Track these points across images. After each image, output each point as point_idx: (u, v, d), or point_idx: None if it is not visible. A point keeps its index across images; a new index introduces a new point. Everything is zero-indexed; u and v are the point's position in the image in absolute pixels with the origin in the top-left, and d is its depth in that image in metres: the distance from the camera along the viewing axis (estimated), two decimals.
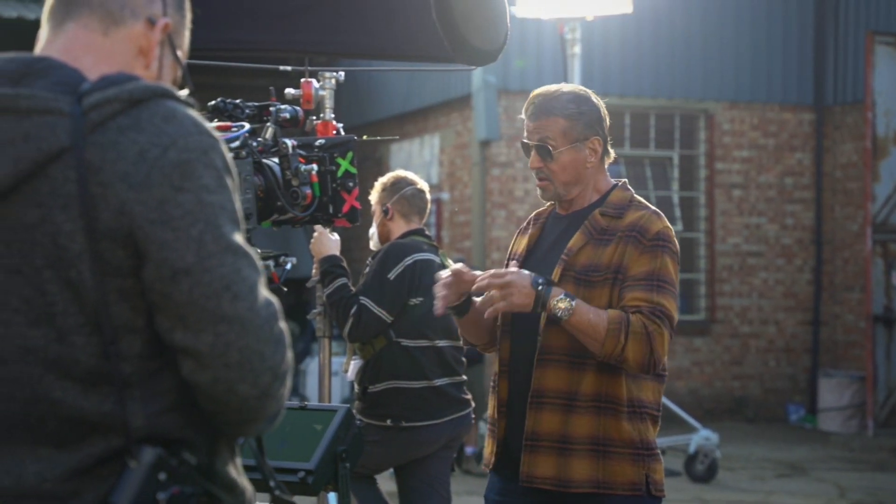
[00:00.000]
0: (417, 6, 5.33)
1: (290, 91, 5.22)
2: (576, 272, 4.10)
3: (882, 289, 15.60)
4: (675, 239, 4.17)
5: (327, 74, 5.49)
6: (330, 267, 6.13)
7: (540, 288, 3.99)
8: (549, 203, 4.38)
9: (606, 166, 4.31)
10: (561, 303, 3.99)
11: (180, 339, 2.22)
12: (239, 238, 2.27)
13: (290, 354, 2.30)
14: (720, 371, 16.44)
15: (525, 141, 4.26)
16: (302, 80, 5.31)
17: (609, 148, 4.29)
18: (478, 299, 4.27)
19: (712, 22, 16.30)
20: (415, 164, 17.26)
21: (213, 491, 2.29)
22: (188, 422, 2.30)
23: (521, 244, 4.36)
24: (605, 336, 3.96)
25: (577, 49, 11.64)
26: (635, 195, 4.27)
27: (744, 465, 13.00)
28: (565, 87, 4.28)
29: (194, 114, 2.31)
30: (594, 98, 4.27)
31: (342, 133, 5.20)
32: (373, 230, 6.61)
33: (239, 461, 2.44)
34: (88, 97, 2.25)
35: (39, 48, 2.40)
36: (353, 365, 6.39)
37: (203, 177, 2.24)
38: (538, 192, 4.30)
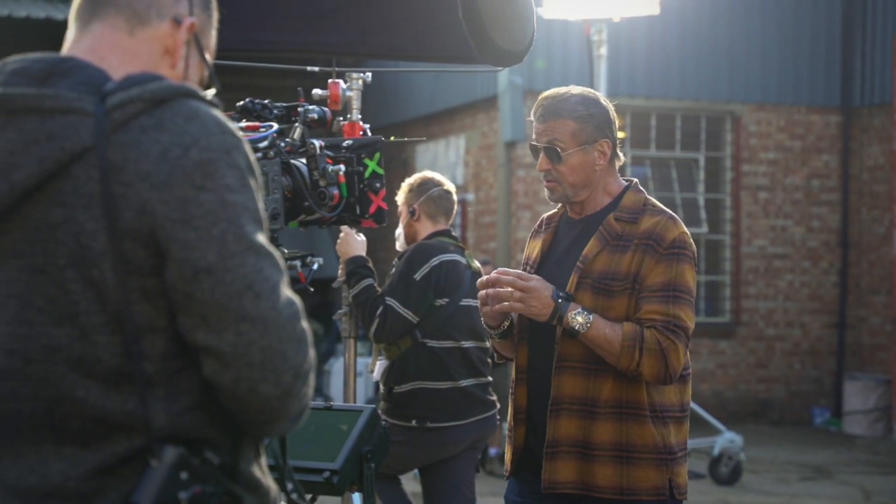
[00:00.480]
0: (444, 7, 5.33)
1: (317, 92, 5.23)
2: (593, 280, 4.10)
3: None
4: (692, 243, 4.16)
5: (354, 75, 5.51)
6: (356, 268, 6.14)
7: (559, 301, 4.02)
8: (559, 206, 4.37)
9: (617, 168, 4.29)
10: (579, 316, 4.01)
11: (202, 338, 2.22)
12: (261, 238, 2.26)
13: (312, 354, 2.30)
14: (745, 373, 16.39)
15: (534, 143, 4.25)
16: (329, 80, 5.32)
17: (618, 151, 4.27)
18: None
19: (739, 23, 16.25)
20: (440, 165, 17.26)
21: (235, 490, 2.29)
22: (211, 421, 2.30)
23: (535, 249, 4.35)
24: (621, 352, 3.99)
25: (604, 50, 11.62)
26: (648, 196, 4.26)
27: (768, 468, 12.96)
28: (574, 89, 4.25)
29: (218, 113, 2.31)
30: (603, 100, 4.25)
31: (369, 134, 5.20)
32: (399, 231, 6.61)
33: (264, 461, 2.44)
34: (112, 97, 2.25)
35: (66, 48, 2.41)
36: (379, 365, 6.39)
37: (225, 176, 2.24)
38: (546, 193, 4.29)
